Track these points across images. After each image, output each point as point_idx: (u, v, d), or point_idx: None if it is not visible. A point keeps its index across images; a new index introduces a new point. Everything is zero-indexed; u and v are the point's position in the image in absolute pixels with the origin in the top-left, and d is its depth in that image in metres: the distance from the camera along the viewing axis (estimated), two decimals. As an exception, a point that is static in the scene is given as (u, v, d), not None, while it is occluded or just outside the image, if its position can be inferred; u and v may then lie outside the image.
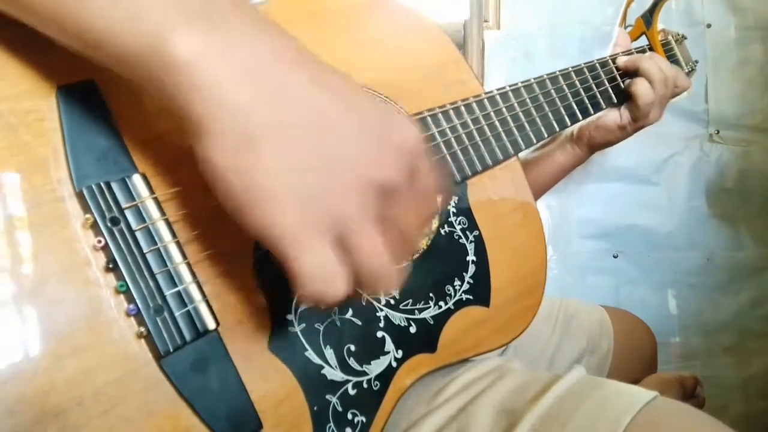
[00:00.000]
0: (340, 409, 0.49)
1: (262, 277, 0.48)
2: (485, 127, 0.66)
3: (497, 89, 0.69)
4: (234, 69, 0.34)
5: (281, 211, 0.35)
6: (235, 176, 0.35)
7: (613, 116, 0.89)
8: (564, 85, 0.77)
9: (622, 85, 0.86)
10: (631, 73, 0.86)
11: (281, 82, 0.35)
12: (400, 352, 0.55)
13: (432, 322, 0.58)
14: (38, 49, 0.40)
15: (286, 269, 0.36)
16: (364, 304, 0.53)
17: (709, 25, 1.36)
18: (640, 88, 0.84)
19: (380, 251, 0.37)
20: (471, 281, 0.62)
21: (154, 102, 0.45)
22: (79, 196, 0.40)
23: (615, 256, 1.43)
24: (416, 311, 0.57)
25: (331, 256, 0.36)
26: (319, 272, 0.36)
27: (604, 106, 0.83)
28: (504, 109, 0.69)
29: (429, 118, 0.62)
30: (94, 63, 0.38)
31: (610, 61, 0.85)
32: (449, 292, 0.60)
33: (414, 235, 0.40)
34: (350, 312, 0.52)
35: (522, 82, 0.72)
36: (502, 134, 0.68)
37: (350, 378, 0.51)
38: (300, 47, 0.38)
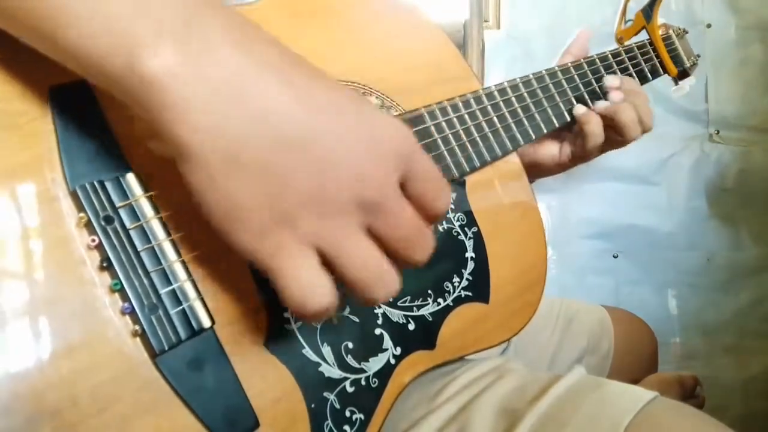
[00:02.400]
0: (338, 406, 0.49)
1: (259, 274, 0.47)
2: (483, 124, 0.66)
3: (495, 85, 0.69)
4: (206, 88, 0.34)
5: (259, 232, 0.35)
6: (213, 198, 0.35)
7: (550, 151, 0.82)
8: (562, 80, 0.76)
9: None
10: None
11: (258, 99, 0.34)
12: (399, 350, 0.54)
13: (431, 319, 0.58)
14: (30, 49, 0.40)
15: (275, 289, 0.36)
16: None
17: (709, 25, 1.36)
18: (596, 131, 0.75)
19: (367, 263, 0.37)
20: (470, 278, 0.61)
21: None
22: (73, 195, 0.40)
23: (615, 256, 1.43)
24: (415, 308, 0.57)
25: (312, 272, 0.36)
26: (299, 289, 0.36)
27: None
28: (502, 105, 0.68)
29: (426, 115, 0.62)
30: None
31: (610, 55, 0.85)
32: (448, 289, 0.60)
33: (416, 237, 0.39)
34: (348, 309, 0.52)
35: (520, 78, 0.72)
36: (500, 130, 0.68)
37: (348, 375, 0.50)
38: (285, 57, 0.37)
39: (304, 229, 0.35)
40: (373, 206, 0.36)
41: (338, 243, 0.36)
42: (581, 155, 0.80)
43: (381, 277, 0.38)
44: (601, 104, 0.76)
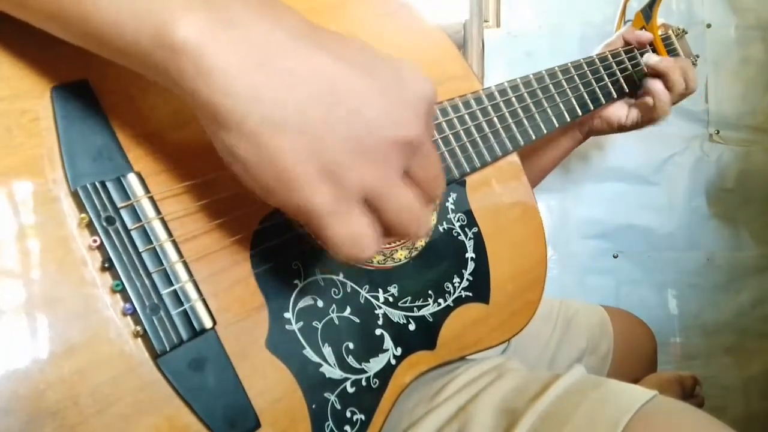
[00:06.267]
0: (338, 407, 0.49)
1: (260, 274, 0.48)
2: (483, 124, 0.66)
3: (495, 85, 0.69)
4: (240, 52, 0.34)
5: (310, 189, 0.35)
6: (259, 162, 0.35)
7: (618, 113, 0.90)
8: (563, 81, 0.76)
9: (622, 81, 0.85)
10: (656, 75, 0.86)
11: (290, 59, 0.35)
12: (399, 350, 0.54)
13: (431, 320, 0.58)
14: (32, 50, 0.40)
15: (321, 240, 0.37)
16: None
17: (709, 25, 1.36)
18: (663, 100, 0.86)
19: (409, 206, 0.39)
20: (470, 278, 0.62)
21: (148, 100, 0.45)
22: (75, 195, 0.40)
23: (615, 256, 1.43)
24: (415, 309, 0.57)
25: (361, 223, 0.37)
26: (351, 240, 0.37)
27: (603, 102, 0.82)
28: (502, 105, 0.69)
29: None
30: (99, 56, 0.37)
31: (609, 56, 0.85)
32: (448, 290, 0.60)
33: (438, 175, 0.41)
34: (348, 310, 0.52)
35: (520, 78, 0.72)
36: (500, 131, 0.68)
37: (349, 376, 0.50)
38: (309, 24, 0.37)
39: (351, 178, 0.36)
40: (412, 148, 0.37)
41: (383, 188, 0.37)
42: (642, 124, 0.90)
43: (420, 218, 0.40)
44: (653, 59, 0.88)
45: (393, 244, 0.57)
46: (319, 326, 0.50)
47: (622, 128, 0.92)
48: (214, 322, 0.43)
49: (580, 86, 0.79)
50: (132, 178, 0.42)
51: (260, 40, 0.35)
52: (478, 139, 0.65)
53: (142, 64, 0.36)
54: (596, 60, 0.83)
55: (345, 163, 0.35)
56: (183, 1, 0.34)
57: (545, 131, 0.72)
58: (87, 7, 0.34)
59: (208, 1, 0.35)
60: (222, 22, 0.34)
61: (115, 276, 0.40)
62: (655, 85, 0.86)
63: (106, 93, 0.43)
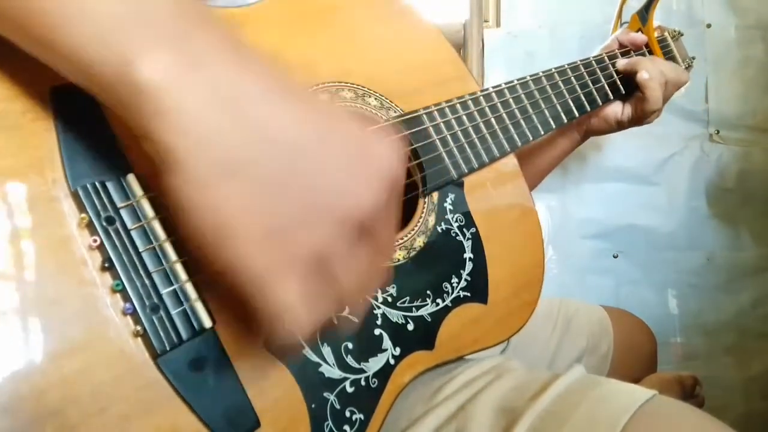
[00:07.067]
0: (338, 406, 0.49)
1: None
2: (481, 124, 0.66)
3: (492, 87, 0.69)
4: (202, 96, 0.33)
5: (249, 250, 0.34)
6: (201, 211, 0.33)
7: (615, 108, 0.90)
8: (560, 82, 0.77)
9: (618, 83, 0.86)
10: (630, 75, 0.86)
11: (254, 109, 0.34)
12: (398, 350, 0.55)
13: (429, 320, 0.58)
14: None
15: (252, 309, 0.36)
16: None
17: (709, 25, 1.36)
18: (654, 93, 0.85)
19: (358, 278, 0.37)
20: (468, 278, 0.62)
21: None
22: (74, 195, 0.40)
23: (615, 256, 1.43)
24: (414, 309, 0.57)
25: (298, 297, 0.35)
26: (287, 313, 0.35)
27: (600, 103, 0.83)
28: (500, 106, 0.69)
29: (425, 116, 0.62)
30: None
31: (606, 58, 0.85)
32: (446, 290, 0.60)
33: (389, 251, 0.41)
34: (347, 310, 0.52)
35: (518, 79, 0.72)
36: (499, 131, 0.68)
37: (348, 375, 0.51)
38: (276, 73, 0.36)
39: (297, 248, 0.34)
40: (366, 225, 0.36)
41: (331, 261, 0.36)
42: (637, 118, 0.90)
43: (368, 289, 0.40)
44: (621, 61, 0.88)
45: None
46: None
47: (620, 124, 0.91)
48: (214, 322, 0.43)
49: (577, 88, 0.79)
50: (132, 178, 0.42)
51: (226, 85, 0.34)
52: (476, 140, 0.65)
53: (102, 94, 0.35)
54: (593, 62, 0.83)
55: (292, 229, 0.34)
56: (150, 36, 0.33)
57: (542, 133, 0.72)
58: (54, 29, 0.33)
59: (176, 37, 0.34)
60: (188, 62, 0.33)
61: (115, 276, 0.40)
62: (641, 75, 0.85)
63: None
